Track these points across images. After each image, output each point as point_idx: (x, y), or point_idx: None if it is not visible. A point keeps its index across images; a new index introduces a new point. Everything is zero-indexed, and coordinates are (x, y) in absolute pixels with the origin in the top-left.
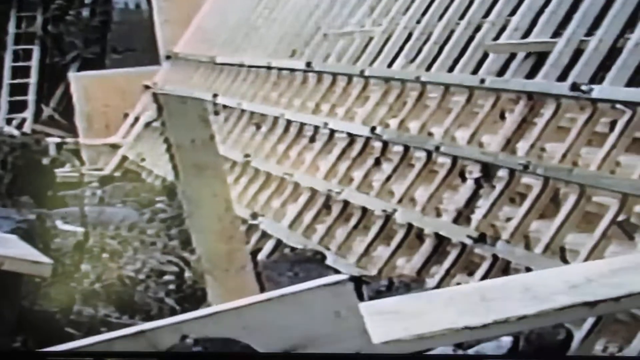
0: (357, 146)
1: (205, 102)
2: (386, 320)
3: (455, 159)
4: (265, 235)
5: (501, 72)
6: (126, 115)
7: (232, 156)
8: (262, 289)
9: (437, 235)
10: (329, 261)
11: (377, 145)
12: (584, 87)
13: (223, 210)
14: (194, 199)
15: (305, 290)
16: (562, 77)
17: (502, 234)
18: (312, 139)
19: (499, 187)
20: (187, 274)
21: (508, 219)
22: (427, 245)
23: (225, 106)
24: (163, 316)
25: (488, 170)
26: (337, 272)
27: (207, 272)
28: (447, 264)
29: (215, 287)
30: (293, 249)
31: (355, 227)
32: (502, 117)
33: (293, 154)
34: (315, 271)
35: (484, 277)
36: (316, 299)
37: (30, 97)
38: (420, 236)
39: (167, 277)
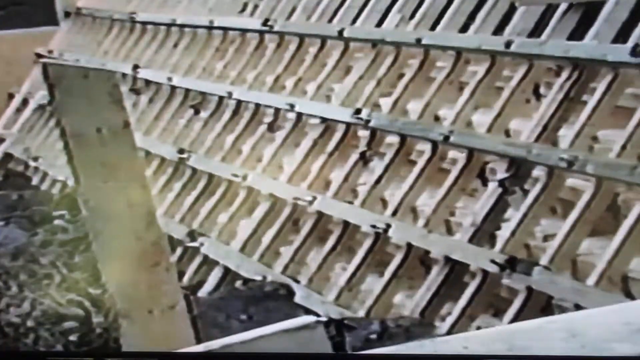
0: (335, 136)
1: (118, 76)
2: None
3: (471, 153)
4: (208, 262)
5: (534, 32)
6: (11, 96)
7: (160, 151)
8: (199, 337)
9: (448, 260)
10: (298, 297)
11: (363, 134)
12: None
13: (143, 226)
14: (101, 212)
15: (259, 339)
16: (621, 38)
17: (540, 257)
18: (272, 128)
19: (533, 192)
20: (96, 318)
21: (547, 237)
22: (435, 275)
23: (149, 82)
24: None
25: (518, 169)
26: (309, 312)
27: (122, 315)
28: (463, 300)
29: (134, 336)
30: (247, 281)
31: (334, 249)
32: (537, 94)
33: (246, 149)
34: (279, 312)
35: (515, 319)
36: (274, 350)
37: None
38: (424, 262)
39: (67, 324)
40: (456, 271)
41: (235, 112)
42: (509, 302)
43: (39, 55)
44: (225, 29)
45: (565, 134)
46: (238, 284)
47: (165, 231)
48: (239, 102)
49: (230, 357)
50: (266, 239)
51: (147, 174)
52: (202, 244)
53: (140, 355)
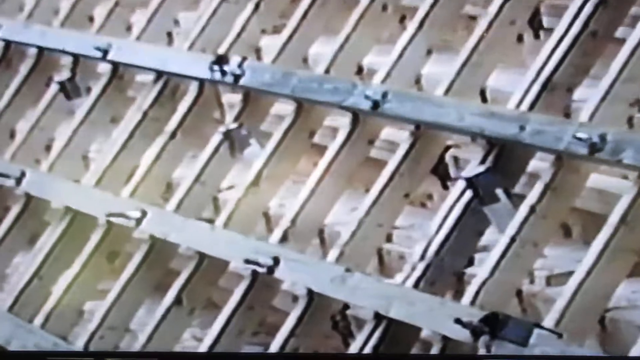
0: (182, 104)
1: None
2: None
3: (420, 131)
4: None
5: None
6: None
7: None
8: None
9: (381, 319)
10: None
11: (230, 100)
12: None
13: None
14: None
15: None
16: None
17: (543, 313)
18: (70, 90)
19: (530, 197)
20: None
21: (553, 278)
22: (360, 345)
23: None
24: None
25: (502, 158)
26: None
27: None
28: None
29: None
30: None
31: (179, 302)
32: (535, 25)
33: (22, 128)
34: None
35: None
36: None
37: None
38: (340, 323)
39: None
40: (395, 339)
41: (4, 61)
42: None
43: None
44: None
45: (587, 96)
46: None
47: None
48: (8, 45)
49: (230, 357)
50: (59, 287)
51: None
52: None
53: (140, 355)
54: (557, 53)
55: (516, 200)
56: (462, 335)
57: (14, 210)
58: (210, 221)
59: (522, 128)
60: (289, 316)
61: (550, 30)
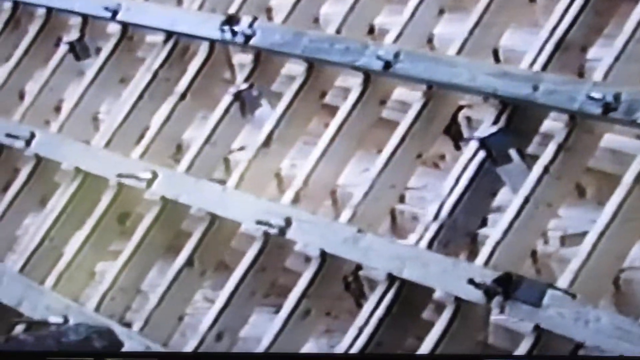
0: (193, 65)
1: None
2: None
3: (432, 91)
4: None
5: None
6: None
7: None
8: None
9: (394, 280)
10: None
11: (241, 60)
12: None
13: None
14: None
15: None
16: None
17: (557, 274)
18: (80, 50)
19: (543, 158)
20: None
21: (568, 238)
22: (371, 307)
23: None
24: None
25: (515, 118)
26: None
27: None
28: (423, 350)
29: None
30: (33, 324)
31: (190, 264)
32: None
33: (31, 89)
34: None
35: None
36: None
37: None
38: (352, 285)
39: None
40: (408, 300)
41: (12, 22)
42: (501, 352)
43: None
44: None
45: (601, 55)
46: (18, 330)
47: None
48: (16, 5)
49: (230, 357)
50: (70, 248)
51: None
52: None
53: (140, 355)
54: (571, 12)
55: (529, 160)
56: (475, 296)
57: (24, 171)
58: (222, 182)
59: (535, 88)
60: (301, 277)
61: None
